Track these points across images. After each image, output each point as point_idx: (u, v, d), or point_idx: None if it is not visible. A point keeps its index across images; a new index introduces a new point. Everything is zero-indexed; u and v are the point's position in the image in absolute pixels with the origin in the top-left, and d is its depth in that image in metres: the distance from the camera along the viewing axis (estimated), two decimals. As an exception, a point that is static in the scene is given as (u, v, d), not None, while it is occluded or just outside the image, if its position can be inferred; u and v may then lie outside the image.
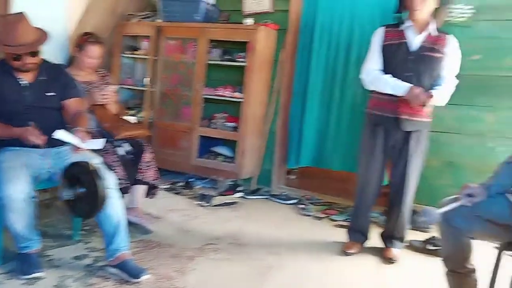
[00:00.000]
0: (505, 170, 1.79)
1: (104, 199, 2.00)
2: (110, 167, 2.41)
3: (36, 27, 2.17)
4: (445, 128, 3.32)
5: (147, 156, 2.72)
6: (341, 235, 2.82)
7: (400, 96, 2.40)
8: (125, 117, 3.24)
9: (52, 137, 2.03)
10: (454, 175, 3.34)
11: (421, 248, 2.77)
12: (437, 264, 1.96)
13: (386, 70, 2.50)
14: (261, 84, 3.84)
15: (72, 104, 2.30)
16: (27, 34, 2.09)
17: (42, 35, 2.18)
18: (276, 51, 3.87)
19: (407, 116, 2.45)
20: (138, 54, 4.28)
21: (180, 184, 3.79)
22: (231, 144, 3.93)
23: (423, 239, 2.81)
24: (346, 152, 3.64)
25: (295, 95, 3.90)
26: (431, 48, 2.43)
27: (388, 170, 2.70)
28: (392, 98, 2.45)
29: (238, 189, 3.72)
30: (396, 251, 2.65)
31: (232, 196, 3.62)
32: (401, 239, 2.67)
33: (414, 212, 3.21)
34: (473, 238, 1.79)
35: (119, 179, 2.45)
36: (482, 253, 1.91)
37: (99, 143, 2.15)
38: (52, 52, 2.86)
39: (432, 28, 2.45)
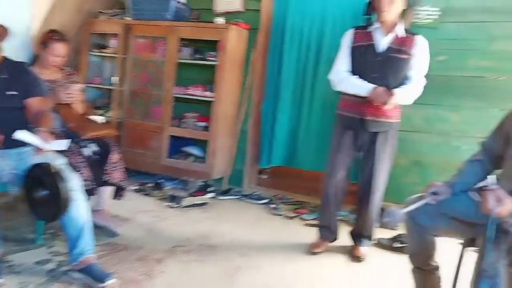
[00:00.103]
0: (469, 168, 1.83)
1: (67, 201, 1.94)
2: (75, 168, 2.34)
3: (-6, 23, 2.08)
4: (412, 128, 3.39)
5: (114, 157, 2.65)
6: (312, 234, 2.83)
7: (366, 97, 2.43)
8: (92, 117, 3.15)
9: (12, 137, 1.95)
10: (421, 173, 3.41)
11: (389, 245, 2.81)
12: (404, 261, 1.99)
13: (354, 71, 2.52)
14: (232, 83, 3.82)
15: (34, 103, 2.22)
16: (-16, 30, 2.01)
17: (1, 31, 2.09)
18: (247, 50, 3.86)
19: (373, 117, 2.47)
20: (106, 52, 4.19)
21: (150, 185, 3.72)
22: (202, 144, 3.89)
23: (390, 237, 2.86)
24: (317, 152, 3.66)
25: (267, 95, 3.90)
26: (398, 49, 2.45)
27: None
28: (358, 99, 2.47)
29: (209, 189, 3.68)
30: (365, 249, 2.68)
31: (203, 196, 3.58)
32: (369, 237, 2.70)
33: (383, 211, 3.27)
34: (437, 236, 1.83)
35: (85, 180, 2.38)
36: (446, 250, 1.95)
37: (63, 144, 2.08)
38: (15, 50, 2.76)
39: (399, 30, 2.47)
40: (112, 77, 4.13)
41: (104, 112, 4.13)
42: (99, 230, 2.54)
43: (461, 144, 3.25)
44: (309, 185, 3.93)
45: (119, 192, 2.77)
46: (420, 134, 3.41)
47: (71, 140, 2.28)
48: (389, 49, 2.46)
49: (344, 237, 2.79)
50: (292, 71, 3.76)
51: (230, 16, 3.81)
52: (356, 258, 2.64)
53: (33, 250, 2.35)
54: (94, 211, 2.59)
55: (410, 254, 1.90)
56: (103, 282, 2.00)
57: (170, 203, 3.35)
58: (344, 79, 2.53)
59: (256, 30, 3.80)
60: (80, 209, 2.04)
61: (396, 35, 2.47)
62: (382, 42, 2.47)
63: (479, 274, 1.49)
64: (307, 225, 3.17)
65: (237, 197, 3.70)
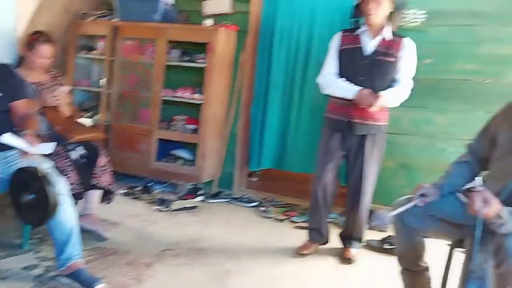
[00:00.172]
0: (456, 170, 1.85)
1: (55, 205, 1.92)
2: (62, 172, 2.31)
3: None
4: (400, 130, 3.41)
5: (102, 160, 2.63)
6: (301, 237, 2.83)
7: (353, 100, 2.43)
8: (79, 120, 3.13)
9: (-2, 141, 1.92)
10: (409, 175, 3.43)
11: (378, 247, 2.83)
12: (393, 263, 2.00)
13: (342, 74, 2.53)
14: (221, 85, 3.81)
15: (20, 106, 2.19)
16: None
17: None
18: (236, 52, 3.86)
19: (360, 120, 2.48)
20: (94, 54, 4.15)
21: (138, 188, 3.69)
22: (191, 147, 3.87)
23: (380, 239, 2.88)
24: (307, 154, 3.67)
25: (256, 97, 3.90)
26: (385, 52, 2.46)
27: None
28: (346, 102, 2.47)
29: (199, 193, 3.66)
30: (355, 251, 2.69)
31: (193, 200, 3.56)
32: (359, 240, 2.71)
33: (371, 213, 3.29)
34: (426, 237, 1.84)
35: (72, 184, 2.35)
36: (435, 251, 1.97)
37: (49, 147, 2.05)
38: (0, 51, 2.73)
39: (386, 32, 2.48)
40: (100, 80, 4.09)
41: (92, 115, 4.09)
42: (88, 234, 2.51)
43: (447, 146, 3.29)
44: (299, 188, 3.94)
45: (107, 196, 2.75)
46: (408, 136, 3.43)
47: (57, 143, 2.24)
48: (376, 52, 2.47)
49: (334, 239, 2.79)
50: (281, 73, 3.77)
51: (219, 18, 3.81)
52: (346, 260, 2.65)
53: (20, 255, 2.32)
54: (82, 215, 2.57)
55: (399, 256, 1.91)
56: (92, 287, 1.97)
57: (159, 207, 3.32)
58: (331, 82, 2.54)
59: (245, 32, 3.80)
60: (67, 213, 2.02)
61: (383, 38, 2.48)
62: (369, 45, 2.49)
63: (467, 275, 1.50)
64: (297, 227, 3.17)
65: (227, 200, 3.68)
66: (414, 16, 3.33)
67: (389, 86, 2.47)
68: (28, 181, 1.93)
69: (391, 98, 2.45)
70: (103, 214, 2.88)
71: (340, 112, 2.53)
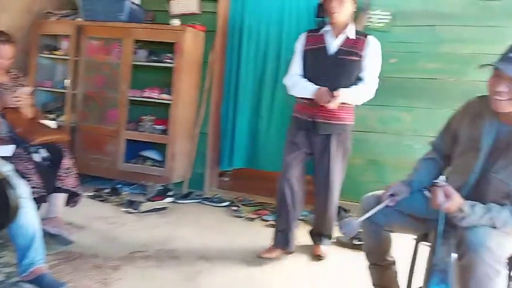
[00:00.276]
0: (423, 166, 1.89)
1: (16, 209, 1.85)
2: (23, 175, 2.23)
3: None
4: (368, 128, 3.49)
5: (67, 162, 2.56)
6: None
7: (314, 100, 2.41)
8: (43, 121, 3.03)
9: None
10: (377, 172, 3.51)
11: (348, 243, 2.87)
12: (362, 258, 2.03)
13: (307, 74, 2.52)
14: (190, 85, 3.78)
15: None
16: None
17: None
18: (204, 52, 3.84)
19: (324, 120, 2.47)
20: (57, 54, 4.04)
21: (106, 190, 3.62)
22: (160, 148, 3.82)
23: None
24: (279, 153, 3.62)
25: (226, 97, 3.89)
26: (349, 51, 2.45)
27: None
28: (311, 102, 2.45)
29: (169, 194, 3.62)
30: (325, 247, 2.72)
31: (162, 201, 3.52)
32: (329, 236, 2.74)
33: (343, 210, 3.34)
34: (392, 232, 1.88)
35: (34, 187, 2.27)
36: (401, 245, 2.01)
37: (8, 150, 1.98)
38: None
39: (350, 31, 2.48)
40: (64, 80, 3.98)
41: (57, 117, 3.99)
42: (52, 238, 2.43)
43: (413, 143, 3.38)
44: (271, 186, 3.91)
45: (73, 199, 2.67)
46: (375, 134, 3.51)
47: (16, 146, 2.17)
48: (339, 51, 2.46)
49: (304, 237, 2.81)
50: (250, 72, 3.78)
51: (186, 18, 3.78)
52: (316, 257, 2.67)
53: (-21, 262, 2.22)
54: (46, 219, 2.48)
55: (367, 251, 1.94)
56: (56, 293, 1.92)
57: (127, 209, 3.26)
58: (295, 83, 2.53)
59: (213, 33, 3.79)
60: (29, 217, 1.95)
61: (347, 37, 2.48)
62: (333, 44, 2.48)
63: (431, 268, 1.54)
64: (268, 226, 3.18)
65: (198, 200, 3.66)
66: (379, 17, 3.40)
67: (354, 85, 2.46)
68: (-13, 185, 1.85)
69: (352, 96, 2.44)
70: (68, 218, 2.80)
71: (305, 112, 2.51)
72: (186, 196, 3.68)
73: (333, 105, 2.36)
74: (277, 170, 3.70)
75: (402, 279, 1.94)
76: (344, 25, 2.48)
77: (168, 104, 3.69)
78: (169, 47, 3.67)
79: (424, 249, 1.82)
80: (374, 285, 1.97)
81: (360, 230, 1.80)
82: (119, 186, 3.74)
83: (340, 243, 2.90)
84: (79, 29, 3.84)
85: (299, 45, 2.58)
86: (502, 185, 1.55)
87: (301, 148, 2.55)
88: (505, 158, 1.55)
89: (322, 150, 2.54)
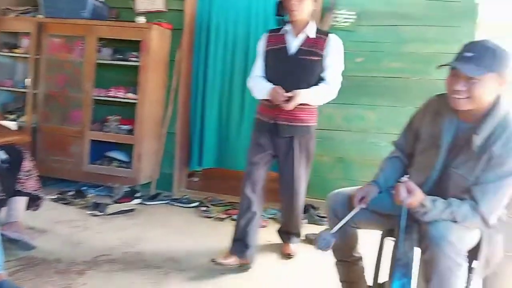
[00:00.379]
0: (389, 165, 1.91)
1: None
2: (-20, 178, 2.14)
3: None
4: (334, 126, 3.54)
5: (27, 165, 2.47)
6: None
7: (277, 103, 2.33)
8: (3, 122, 2.91)
9: None
10: (344, 169, 3.57)
11: (317, 240, 2.90)
12: (330, 255, 2.04)
13: (268, 76, 2.45)
14: (157, 84, 3.72)
15: None
16: None
17: None
18: (171, 51, 3.79)
19: (286, 122, 2.40)
20: (17, 53, 3.89)
21: (71, 193, 3.51)
22: (127, 148, 3.74)
23: (318, 232, 2.94)
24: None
25: (194, 96, 3.85)
26: (309, 51, 2.39)
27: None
28: (272, 104, 2.37)
29: (136, 195, 3.56)
30: (294, 246, 2.73)
31: (129, 203, 3.45)
32: (297, 234, 2.75)
33: (312, 207, 3.38)
34: (358, 228, 1.91)
35: (-8, 191, 2.18)
36: (368, 241, 2.04)
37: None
38: None
39: (310, 30, 2.42)
40: (25, 79, 3.84)
41: (17, 117, 3.85)
42: (12, 244, 2.34)
43: (378, 141, 3.45)
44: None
45: (34, 202, 2.58)
46: (341, 132, 3.56)
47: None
48: (299, 51, 2.40)
49: (274, 235, 2.82)
50: (218, 70, 3.76)
51: (152, 15, 3.72)
52: (286, 255, 2.68)
53: None
54: (6, 224, 2.40)
55: (334, 248, 1.95)
56: (16, 300, 1.84)
57: (93, 211, 3.17)
58: (255, 84, 2.47)
59: (180, 31, 3.75)
60: (-14, 223, 1.87)
61: (307, 36, 2.41)
62: (294, 44, 2.42)
63: (394, 263, 1.57)
64: (237, 225, 3.17)
65: (166, 201, 3.60)
66: (345, 16, 3.45)
67: (316, 85, 2.40)
68: None
69: (312, 96, 2.37)
70: (30, 222, 2.72)
71: (267, 114, 2.45)
72: (154, 197, 3.62)
73: (290, 105, 2.30)
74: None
75: (369, 274, 1.97)
76: (304, 24, 2.42)
77: (134, 103, 3.62)
78: (134, 45, 3.60)
79: (390, 244, 1.86)
80: (341, 281, 2.00)
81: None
82: (84, 188, 3.64)
83: (309, 240, 2.92)
84: (40, 26, 3.72)
85: (261, 46, 2.51)
86: (462, 180, 1.60)
87: (266, 150, 2.48)
88: (464, 154, 1.60)
89: (286, 153, 2.48)
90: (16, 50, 3.90)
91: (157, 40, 3.61)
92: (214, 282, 2.29)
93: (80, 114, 3.71)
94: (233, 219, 3.28)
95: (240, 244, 2.43)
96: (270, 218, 3.34)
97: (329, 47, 2.41)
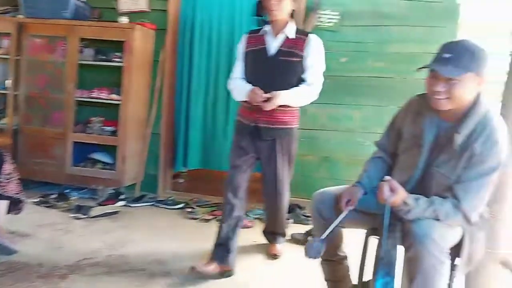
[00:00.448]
0: (372, 165, 1.91)
1: None
2: (-42, 182, 2.08)
3: None
4: (320, 126, 3.55)
5: (7, 168, 2.42)
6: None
7: (257, 105, 2.28)
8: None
9: None
10: (330, 168, 3.58)
11: (303, 240, 2.90)
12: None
13: (248, 77, 2.41)
14: (140, 85, 3.69)
15: None
16: None
17: None
18: (155, 51, 3.76)
19: (267, 124, 2.35)
20: (-3, 54, 3.82)
21: (53, 196, 3.45)
22: (111, 150, 3.70)
23: (304, 232, 2.95)
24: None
25: (179, 96, 3.83)
26: (289, 52, 2.34)
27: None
28: (253, 106, 2.32)
29: (120, 197, 3.51)
30: (280, 246, 2.73)
31: (114, 205, 3.40)
32: (283, 234, 2.75)
33: (298, 207, 3.38)
34: (343, 227, 1.91)
35: (-29, 195, 2.13)
36: (353, 240, 2.05)
37: None
38: None
39: (289, 31, 2.37)
40: (5, 81, 3.77)
41: (-3, 120, 3.77)
42: (-7, 249, 2.30)
43: (364, 140, 3.47)
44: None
45: (16, 206, 2.53)
46: (327, 132, 3.57)
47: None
48: (279, 52, 2.35)
49: (260, 236, 2.81)
50: (203, 71, 3.74)
51: (135, 16, 3.68)
52: (272, 256, 2.68)
53: None
54: (-14, 229, 2.34)
55: (319, 248, 1.96)
56: (-4, 307, 1.81)
57: (76, 214, 3.13)
58: (235, 86, 2.43)
59: (163, 31, 3.72)
60: (-35, 228, 1.82)
61: (286, 37, 2.36)
62: (273, 45, 2.37)
63: (377, 261, 1.58)
64: (223, 226, 3.15)
65: (151, 203, 3.57)
66: (328, 16, 3.46)
67: (296, 86, 2.34)
68: None
69: (292, 98, 2.33)
70: (11, 226, 2.66)
71: (248, 117, 2.40)
72: (138, 199, 3.58)
73: (269, 105, 2.25)
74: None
75: (353, 273, 1.98)
76: (284, 24, 2.37)
77: (118, 104, 3.58)
78: (117, 46, 3.56)
79: (375, 243, 1.87)
80: (326, 280, 2.01)
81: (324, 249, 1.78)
82: (67, 191, 3.59)
83: (295, 240, 2.93)
84: (20, 26, 3.65)
85: (241, 47, 2.46)
86: (444, 179, 1.61)
87: (248, 152, 2.43)
88: (446, 153, 1.61)
89: (268, 155, 2.43)
90: (-4, 51, 3.83)
91: (141, 40, 3.58)
92: (200, 283, 2.27)
93: (62, 116, 3.65)
94: (218, 220, 3.26)
95: (222, 249, 2.39)
96: (256, 218, 3.34)
97: (309, 48, 2.36)
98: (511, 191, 1.94)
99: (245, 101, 2.38)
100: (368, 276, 1.86)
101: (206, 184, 4.09)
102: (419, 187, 1.66)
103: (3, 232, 2.48)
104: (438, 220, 1.55)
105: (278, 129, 2.39)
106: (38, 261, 2.35)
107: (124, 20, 3.55)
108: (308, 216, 3.27)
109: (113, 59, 3.62)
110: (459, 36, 3.28)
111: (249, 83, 2.37)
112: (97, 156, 3.78)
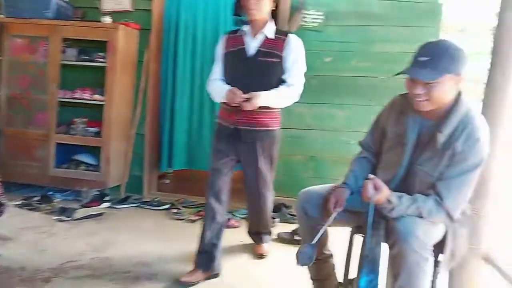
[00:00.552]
0: (358, 165, 1.92)
1: None
2: None
3: None
4: (306, 126, 3.56)
5: (-12, 170, 2.37)
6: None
7: (236, 106, 2.23)
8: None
9: None
10: (317, 167, 3.60)
11: (289, 239, 2.91)
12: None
13: (227, 79, 2.36)
14: (124, 85, 3.65)
15: None
16: None
17: None
18: (139, 51, 3.72)
19: (247, 126, 2.30)
20: (-24, 54, 3.74)
21: (36, 198, 3.39)
22: (94, 151, 3.65)
23: (290, 231, 2.96)
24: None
25: (164, 96, 3.80)
26: (268, 52, 2.29)
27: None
28: (232, 108, 2.27)
29: (105, 199, 3.48)
30: (266, 245, 2.73)
31: (98, 207, 3.36)
32: (268, 233, 2.75)
33: (284, 206, 3.38)
34: (328, 226, 1.92)
35: (-50, 199, 2.09)
36: (338, 238, 2.06)
37: None
38: None
39: (268, 31, 2.32)
40: (-15, 82, 3.70)
41: (-22, 121, 3.69)
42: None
43: (349, 139, 3.48)
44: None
45: (-3, 209, 2.49)
46: (313, 131, 3.59)
47: None
48: (258, 52, 2.30)
49: (246, 235, 2.80)
50: (188, 71, 3.72)
51: (118, 15, 3.64)
52: (258, 255, 2.68)
53: None
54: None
55: (305, 247, 1.96)
56: (-23, 312, 1.77)
57: (60, 217, 3.08)
58: (214, 88, 2.38)
59: (147, 31, 3.69)
60: None
61: (266, 37, 2.31)
62: (252, 45, 2.32)
63: (362, 259, 1.59)
64: (209, 227, 3.14)
65: (136, 204, 3.54)
66: (313, 17, 3.47)
67: (276, 87, 2.30)
68: None
69: (272, 99, 2.28)
70: (-8, 230, 2.62)
71: (227, 119, 2.35)
72: (123, 201, 3.55)
73: (249, 106, 2.20)
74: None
75: (339, 271, 1.99)
76: (263, 24, 2.32)
77: (102, 105, 3.53)
78: (100, 46, 3.52)
79: (360, 240, 1.88)
80: (312, 279, 2.01)
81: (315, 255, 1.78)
82: (51, 193, 3.54)
83: (281, 239, 2.94)
84: (1, 26, 3.59)
85: (219, 48, 2.41)
86: (427, 177, 1.63)
87: (228, 155, 2.37)
88: (429, 151, 1.63)
89: (249, 158, 2.38)
90: (-24, 52, 3.76)
91: (124, 40, 3.54)
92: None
93: (45, 117, 3.60)
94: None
95: (206, 257, 2.35)
96: (243, 218, 3.33)
97: (288, 48, 2.31)
98: (493, 187, 1.97)
99: (224, 103, 2.34)
100: (353, 274, 1.87)
101: (192, 185, 4.07)
102: (403, 185, 1.68)
103: (-16, 235, 2.44)
104: (421, 217, 1.57)
105: (259, 131, 2.33)
106: (21, 264, 2.31)
107: (107, 20, 3.51)
108: (294, 215, 3.28)
109: (96, 59, 3.58)
110: (442, 36, 3.33)
111: (228, 84, 2.32)
112: (81, 157, 3.73)
